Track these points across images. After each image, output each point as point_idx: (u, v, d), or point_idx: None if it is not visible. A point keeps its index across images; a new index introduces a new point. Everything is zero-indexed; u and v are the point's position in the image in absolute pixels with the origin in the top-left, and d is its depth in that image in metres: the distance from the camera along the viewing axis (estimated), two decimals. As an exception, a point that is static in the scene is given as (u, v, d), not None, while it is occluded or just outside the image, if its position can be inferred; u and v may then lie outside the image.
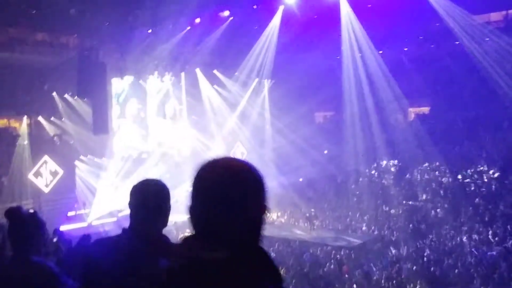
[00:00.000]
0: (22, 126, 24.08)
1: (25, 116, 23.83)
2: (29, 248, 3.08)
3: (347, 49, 27.96)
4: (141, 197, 2.67)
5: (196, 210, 1.60)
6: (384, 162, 30.24)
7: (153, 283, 1.91)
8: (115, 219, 23.71)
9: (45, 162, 23.48)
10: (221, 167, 1.61)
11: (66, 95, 24.32)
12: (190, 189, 1.62)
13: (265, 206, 1.61)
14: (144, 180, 2.74)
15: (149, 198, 2.65)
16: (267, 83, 31.98)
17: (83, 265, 2.73)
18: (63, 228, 15.16)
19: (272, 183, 29.85)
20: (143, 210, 2.64)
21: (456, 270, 17.81)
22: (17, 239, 3.11)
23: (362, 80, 29.11)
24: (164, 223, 2.70)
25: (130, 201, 2.68)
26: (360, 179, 28.92)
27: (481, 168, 26.31)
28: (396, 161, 30.14)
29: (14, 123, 24.62)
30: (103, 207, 24.59)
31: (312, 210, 25.89)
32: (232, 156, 2.42)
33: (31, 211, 3.27)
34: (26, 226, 3.12)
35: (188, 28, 24.91)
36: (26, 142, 23.58)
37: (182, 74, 28.93)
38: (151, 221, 2.64)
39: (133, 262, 2.49)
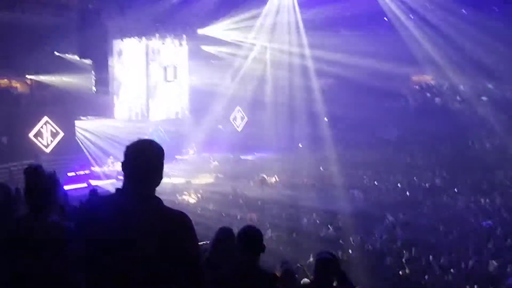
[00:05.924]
0: (25, 85, 23.94)
1: (26, 76, 23.70)
2: (46, 207, 3.06)
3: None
4: (132, 158, 2.70)
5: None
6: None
7: (136, 240, 2.51)
8: (114, 181, 23.75)
9: (46, 122, 23.49)
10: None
11: (67, 55, 24.12)
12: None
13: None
14: (136, 141, 2.75)
15: (140, 159, 2.69)
16: (269, 47, 31.54)
17: (77, 221, 2.77)
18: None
19: (271, 149, 29.96)
20: (133, 171, 2.68)
21: (451, 238, 18.01)
22: (34, 197, 3.08)
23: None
24: (155, 184, 2.72)
25: (122, 162, 2.72)
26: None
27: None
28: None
29: (15, 83, 24.46)
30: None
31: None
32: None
33: (51, 170, 3.22)
34: (45, 184, 3.08)
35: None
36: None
37: (184, 36, 28.54)
38: (140, 182, 2.66)
39: (120, 220, 2.56)
